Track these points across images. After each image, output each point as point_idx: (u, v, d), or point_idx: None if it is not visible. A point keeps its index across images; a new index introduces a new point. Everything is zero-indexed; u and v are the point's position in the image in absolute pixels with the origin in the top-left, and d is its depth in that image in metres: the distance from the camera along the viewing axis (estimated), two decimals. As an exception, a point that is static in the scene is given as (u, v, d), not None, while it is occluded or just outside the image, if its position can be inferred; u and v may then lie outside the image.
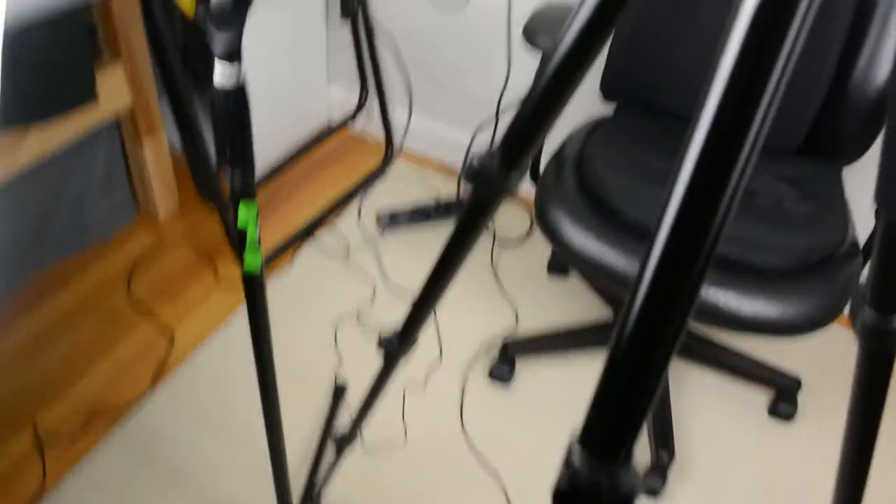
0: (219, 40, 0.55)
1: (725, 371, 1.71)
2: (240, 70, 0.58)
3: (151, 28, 1.62)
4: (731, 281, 1.21)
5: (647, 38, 1.49)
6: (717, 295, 1.21)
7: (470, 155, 2.01)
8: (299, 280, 1.85)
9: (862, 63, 1.35)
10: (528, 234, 2.02)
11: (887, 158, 0.47)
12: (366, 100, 2.24)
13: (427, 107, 2.17)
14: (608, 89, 1.56)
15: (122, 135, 1.83)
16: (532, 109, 0.48)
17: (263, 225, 1.99)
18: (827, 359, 1.74)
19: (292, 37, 2.05)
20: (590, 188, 1.33)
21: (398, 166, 2.23)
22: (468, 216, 0.55)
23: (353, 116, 2.28)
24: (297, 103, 2.18)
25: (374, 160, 2.21)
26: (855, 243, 1.30)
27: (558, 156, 1.45)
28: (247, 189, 0.63)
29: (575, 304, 1.85)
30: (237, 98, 0.59)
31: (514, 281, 1.89)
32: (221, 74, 0.57)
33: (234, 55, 0.56)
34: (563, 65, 0.48)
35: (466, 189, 0.54)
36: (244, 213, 0.64)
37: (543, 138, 0.51)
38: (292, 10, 2.00)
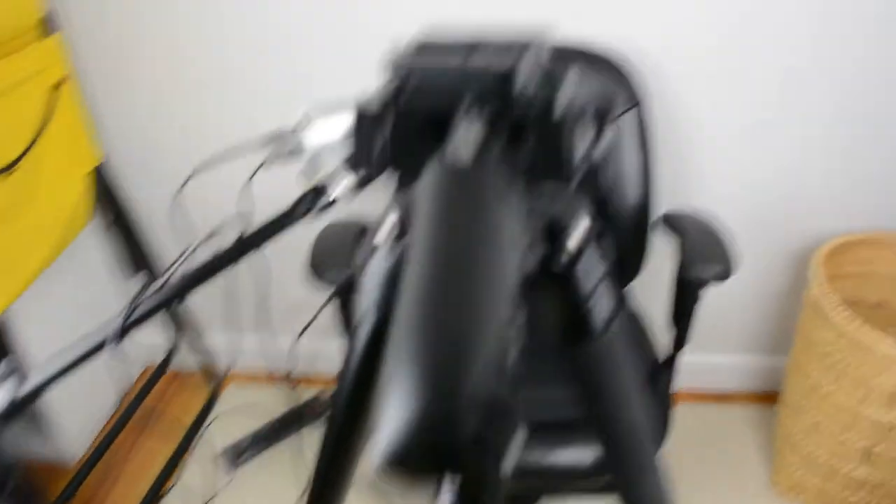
0: None
1: (585, 493, 1.76)
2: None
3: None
4: (559, 442, 1.28)
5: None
6: (555, 458, 1.27)
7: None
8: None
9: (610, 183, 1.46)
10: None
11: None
12: (178, 339, 2.19)
13: (243, 324, 2.15)
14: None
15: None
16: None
17: (105, 502, 1.86)
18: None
19: (82, 307, 1.96)
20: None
21: (228, 393, 2.18)
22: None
23: (169, 358, 2.21)
24: (108, 366, 2.09)
25: (203, 395, 2.15)
26: (657, 362, 1.41)
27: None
28: None
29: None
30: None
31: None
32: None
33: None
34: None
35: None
36: None
37: (346, 490, 0.54)
38: (76, 289, 1.94)
